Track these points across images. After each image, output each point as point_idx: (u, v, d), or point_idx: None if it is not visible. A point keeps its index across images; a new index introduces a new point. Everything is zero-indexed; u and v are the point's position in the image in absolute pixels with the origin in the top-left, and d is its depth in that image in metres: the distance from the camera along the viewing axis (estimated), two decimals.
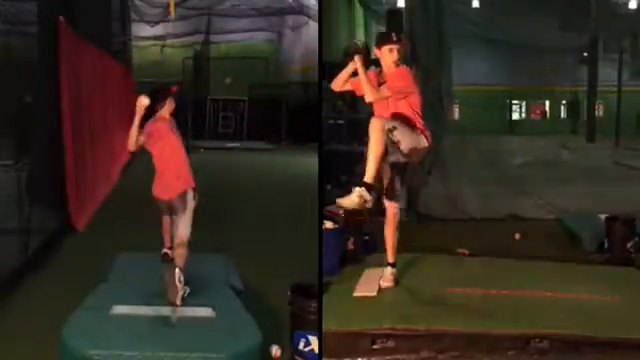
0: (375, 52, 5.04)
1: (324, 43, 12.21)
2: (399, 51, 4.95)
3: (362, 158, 10.19)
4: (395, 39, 4.99)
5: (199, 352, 4.02)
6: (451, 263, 6.08)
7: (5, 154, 7.04)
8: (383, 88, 4.91)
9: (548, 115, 33.86)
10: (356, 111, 11.87)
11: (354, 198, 4.61)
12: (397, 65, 4.96)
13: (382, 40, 5.05)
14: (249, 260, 6.57)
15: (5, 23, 7.21)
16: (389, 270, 5.30)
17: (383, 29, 13.53)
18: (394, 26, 11.06)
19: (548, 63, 28.89)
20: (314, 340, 4.29)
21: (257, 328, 4.42)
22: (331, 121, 10.97)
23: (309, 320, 4.33)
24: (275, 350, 4.49)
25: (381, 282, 5.27)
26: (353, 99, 12.00)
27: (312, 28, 22.58)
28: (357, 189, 4.61)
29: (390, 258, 5.30)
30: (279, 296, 4.90)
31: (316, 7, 19.46)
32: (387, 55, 4.97)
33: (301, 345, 4.33)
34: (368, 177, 4.65)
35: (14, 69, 7.25)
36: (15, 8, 7.52)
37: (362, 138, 10.54)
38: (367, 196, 4.61)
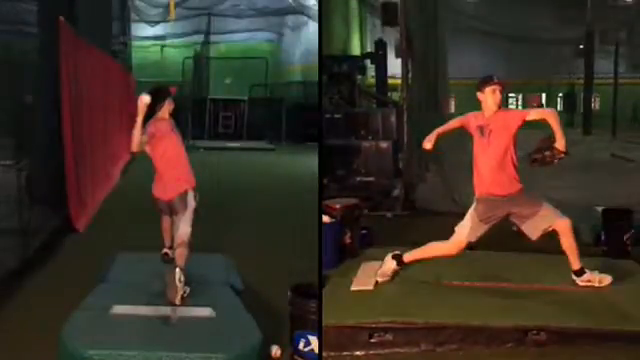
0: (478, 95, 5.12)
1: (324, 43, 12.21)
2: (501, 92, 5.05)
3: (359, 152, 10.32)
4: (496, 80, 5.08)
5: (199, 352, 4.01)
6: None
7: (5, 154, 7.03)
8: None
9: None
10: (353, 105, 11.90)
11: None
12: (499, 106, 5.06)
13: (484, 82, 5.10)
14: (249, 260, 6.57)
15: (5, 23, 7.21)
16: (394, 265, 5.29)
17: (378, 21, 13.58)
18: (389, 18, 11.08)
19: (544, 56, 28.94)
20: (314, 340, 4.29)
21: (257, 328, 4.42)
22: (328, 115, 10.91)
23: (309, 320, 4.33)
24: (275, 350, 4.49)
25: (379, 277, 5.27)
26: (351, 93, 12.07)
27: (312, 28, 22.60)
28: None
29: (407, 258, 5.30)
30: (279, 296, 4.90)
31: (316, 7, 19.48)
32: (490, 96, 5.05)
33: (301, 345, 4.33)
34: None
35: (14, 69, 7.25)
36: (15, 8, 7.51)
37: (359, 132, 10.66)
38: None
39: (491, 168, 5.01)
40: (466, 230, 5.08)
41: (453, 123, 5.36)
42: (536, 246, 5.34)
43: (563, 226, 5.02)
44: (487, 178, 5.03)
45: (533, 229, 5.05)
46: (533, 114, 5.08)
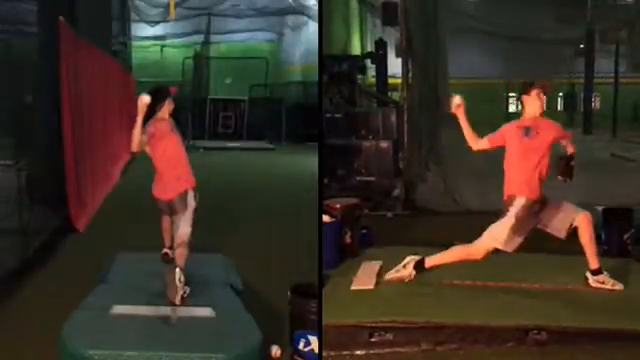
0: (524, 98, 5.14)
1: (324, 43, 12.21)
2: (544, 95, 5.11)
3: (359, 152, 10.36)
4: (539, 84, 5.13)
5: (199, 352, 4.01)
6: None
7: (5, 154, 7.03)
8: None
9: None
10: (354, 105, 11.91)
11: None
12: (543, 110, 5.12)
13: (531, 84, 5.14)
14: (249, 260, 6.57)
15: (5, 23, 7.20)
16: (414, 272, 5.19)
17: (379, 21, 13.63)
18: (389, 18, 11.10)
19: (544, 56, 28.90)
20: (314, 340, 4.29)
21: (257, 328, 4.42)
22: (328, 115, 10.92)
23: (309, 320, 4.33)
24: (275, 350, 4.49)
25: (392, 279, 5.20)
26: (351, 93, 12.09)
27: (312, 28, 22.60)
28: None
29: (428, 263, 5.19)
30: (279, 296, 4.90)
31: (316, 7, 19.48)
32: (535, 100, 5.10)
33: (301, 345, 4.33)
34: None
35: (14, 69, 7.25)
36: (15, 8, 7.51)
37: (359, 132, 10.68)
38: None
39: (532, 170, 5.00)
40: (503, 236, 4.96)
41: (495, 141, 5.23)
42: (536, 246, 5.34)
43: (583, 219, 5.03)
44: (531, 180, 4.99)
45: (560, 228, 5.05)
46: (564, 140, 5.26)
